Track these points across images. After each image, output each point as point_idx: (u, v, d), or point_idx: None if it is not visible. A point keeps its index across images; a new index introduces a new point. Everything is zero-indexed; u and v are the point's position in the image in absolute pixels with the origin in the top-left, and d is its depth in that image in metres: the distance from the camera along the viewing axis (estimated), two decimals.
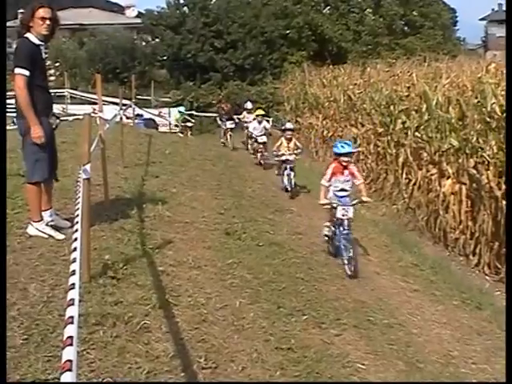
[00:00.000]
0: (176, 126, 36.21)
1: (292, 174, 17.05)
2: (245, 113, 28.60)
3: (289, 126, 18.59)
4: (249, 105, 28.99)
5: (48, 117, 7.88)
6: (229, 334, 6.37)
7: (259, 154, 22.31)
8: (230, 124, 27.64)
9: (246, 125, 26.74)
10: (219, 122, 29.59)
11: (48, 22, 7.73)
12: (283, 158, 17.41)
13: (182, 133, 33.98)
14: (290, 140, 17.87)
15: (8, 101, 8.67)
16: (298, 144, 18.19)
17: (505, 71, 13.20)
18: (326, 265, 10.32)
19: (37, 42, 7.71)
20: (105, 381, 4.91)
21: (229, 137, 27.63)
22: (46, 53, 8.25)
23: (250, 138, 23.96)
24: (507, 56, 10.08)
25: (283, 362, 6.04)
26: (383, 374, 6.60)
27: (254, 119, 23.19)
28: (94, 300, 6.22)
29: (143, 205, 10.69)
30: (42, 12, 7.71)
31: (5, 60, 7.37)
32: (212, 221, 11.08)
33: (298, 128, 33.72)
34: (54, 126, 8.05)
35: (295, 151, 17.62)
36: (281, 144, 17.85)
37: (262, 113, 23.75)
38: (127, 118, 23.11)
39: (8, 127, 9.20)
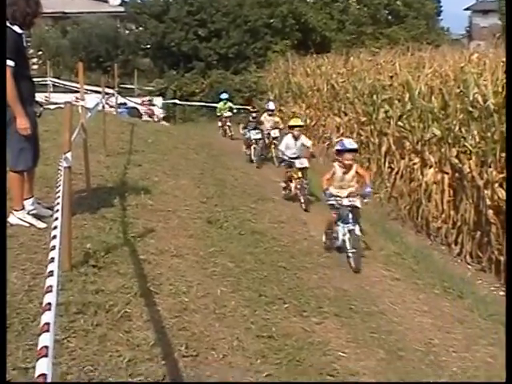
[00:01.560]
0: (219, 117, 29.22)
1: (357, 228, 10.50)
2: (265, 115, 22.47)
3: (349, 144, 11.07)
4: (271, 105, 23.08)
5: (32, 105, 7.86)
6: (210, 322, 6.38)
7: (293, 185, 14.86)
8: (255, 134, 20.86)
9: (266, 132, 21.42)
10: (241, 131, 23.02)
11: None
12: (346, 202, 10.57)
13: (225, 131, 28.42)
14: (349, 168, 10.97)
15: None
16: (362, 172, 11.43)
17: (505, 70, 13.23)
18: (307, 253, 10.36)
19: (19, 31, 7.68)
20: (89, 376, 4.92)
21: (253, 150, 21.04)
22: (27, 41, 8.23)
23: (282, 160, 15.88)
24: (507, 54, 10.10)
25: (264, 350, 6.06)
26: (364, 362, 6.64)
27: (288, 133, 15.65)
28: (75, 288, 6.20)
29: (125, 193, 10.65)
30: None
31: (5, 56, 7.32)
32: (194, 209, 11.07)
33: (281, 117, 33.80)
34: (37, 114, 8.04)
35: (365, 191, 10.83)
36: (333, 175, 11.03)
37: (300, 123, 15.86)
38: (110, 106, 23.01)
39: None
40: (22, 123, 7.48)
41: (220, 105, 29.15)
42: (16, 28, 7.62)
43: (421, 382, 6.87)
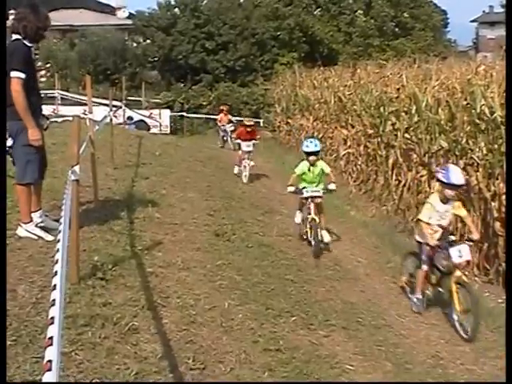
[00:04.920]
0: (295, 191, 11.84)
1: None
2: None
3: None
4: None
5: (39, 118, 7.88)
6: (217, 335, 6.37)
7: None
8: None
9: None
10: None
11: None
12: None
13: (306, 234, 11.80)
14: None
15: None
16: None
17: (505, 72, 13.26)
18: (315, 266, 10.35)
19: (28, 44, 7.73)
20: (93, 381, 4.91)
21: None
22: (35, 54, 8.28)
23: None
24: (507, 57, 10.13)
25: (271, 363, 6.06)
26: (371, 374, 6.64)
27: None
28: (82, 301, 6.21)
29: (133, 206, 10.65)
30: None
31: (5, 60, 7.36)
32: (201, 222, 11.05)
33: (288, 130, 33.75)
34: (44, 127, 8.06)
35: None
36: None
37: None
38: (118, 119, 23.04)
39: None
40: (34, 134, 7.51)
41: (303, 165, 11.95)
42: (26, 40, 7.68)
43: (420, 382, 6.88)
